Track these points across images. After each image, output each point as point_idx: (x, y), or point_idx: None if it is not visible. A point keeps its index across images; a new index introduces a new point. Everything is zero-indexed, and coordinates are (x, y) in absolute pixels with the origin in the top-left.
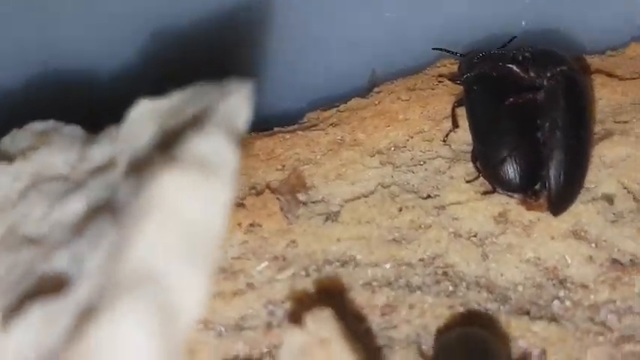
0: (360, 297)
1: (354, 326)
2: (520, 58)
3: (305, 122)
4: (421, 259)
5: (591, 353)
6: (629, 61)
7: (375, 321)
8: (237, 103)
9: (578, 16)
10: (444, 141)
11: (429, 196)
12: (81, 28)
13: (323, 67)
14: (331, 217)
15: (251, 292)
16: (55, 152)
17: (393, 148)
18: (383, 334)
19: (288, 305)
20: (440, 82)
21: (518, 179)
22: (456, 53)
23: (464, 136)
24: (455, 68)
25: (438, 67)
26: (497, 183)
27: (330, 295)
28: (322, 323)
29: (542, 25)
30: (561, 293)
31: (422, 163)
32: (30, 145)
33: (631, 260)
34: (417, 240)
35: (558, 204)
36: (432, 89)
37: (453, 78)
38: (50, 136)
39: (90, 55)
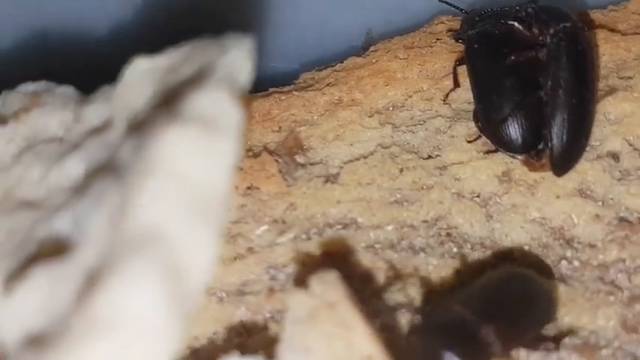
0: (363, 260)
1: (358, 290)
2: (523, 14)
3: (300, 82)
4: (424, 221)
5: (602, 314)
6: (631, 15)
7: (379, 284)
8: (238, 57)
9: None
10: (444, 100)
11: (429, 157)
12: None
13: (316, 27)
14: (330, 179)
15: (251, 256)
16: (49, 113)
17: (391, 108)
18: (388, 298)
19: (289, 269)
20: (438, 39)
21: (520, 139)
22: (461, 9)
23: (464, 94)
24: (453, 25)
25: (436, 24)
26: (498, 143)
27: (333, 258)
28: (329, 286)
29: None
30: (569, 253)
31: (422, 122)
32: (22, 106)
33: (639, 218)
34: (419, 201)
35: (561, 164)
36: (431, 47)
37: (454, 36)
38: (43, 97)
39: (80, 16)
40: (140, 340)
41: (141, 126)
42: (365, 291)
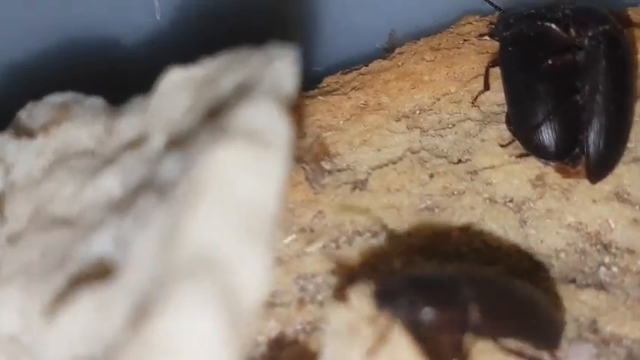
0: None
1: None
2: (560, 16)
3: (325, 86)
4: (456, 228)
5: None
6: None
7: None
8: (283, 69)
9: None
10: (473, 103)
11: (460, 161)
12: None
13: (340, 29)
14: (359, 185)
15: (280, 266)
16: (79, 126)
17: (419, 111)
18: None
19: (319, 279)
20: (465, 40)
21: (554, 146)
22: (498, 7)
23: (492, 96)
24: (480, 25)
25: (463, 24)
26: (531, 149)
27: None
28: (366, 299)
29: None
30: (607, 259)
31: (451, 126)
32: (50, 119)
33: None
34: (451, 207)
35: (597, 172)
36: (458, 48)
37: (490, 33)
38: (71, 109)
39: (104, 25)
40: None
41: (183, 141)
42: None
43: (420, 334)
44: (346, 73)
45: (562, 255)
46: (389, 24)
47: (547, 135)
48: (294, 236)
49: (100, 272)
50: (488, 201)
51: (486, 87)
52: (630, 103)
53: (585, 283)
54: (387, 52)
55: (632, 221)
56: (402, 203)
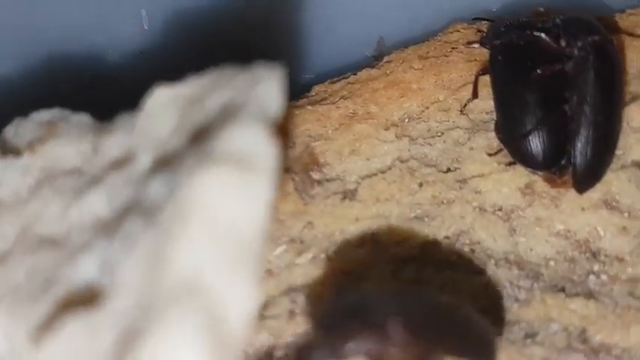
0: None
1: None
2: (550, 25)
3: (313, 95)
4: (446, 237)
5: (634, 331)
6: None
7: None
8: (269, 89)
9: None
10: (462, 111)
11: (449, 170)
12: (85, 9)
13: (329, 36)
14: (348, 195)
15: (270, 278)
16: (65, 144)
17: (407, 120)
18: None
19: (309, 291)
20: (454, 48)
21: (541, 156)
22: (489, 20)
23: (481, 104)
24: (468, 33)
25: (451, 32)
26: (519, 159)
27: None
28: None
29: None
30: (596, 267)
31: (439, 134)
32: (37, 136)
33: None
34: (441, 216)
35: (584, 182)
36: (446, 56)
37: (480, 42)
38: (58, 126)
39: (87, 40)
40: None
41: (170, 162)
42: None
43: None
44: (335, 82)
45: (551, 263)
46: (378, 32)
47: (535, 144)
48: (284, 247)
49: (86, 297)
50: (477, 210)
51: (475, 95)
52: (618, 113)
53: (574, 291)
54: (375, 60)
55: (620, 229)
56: (391, 213)
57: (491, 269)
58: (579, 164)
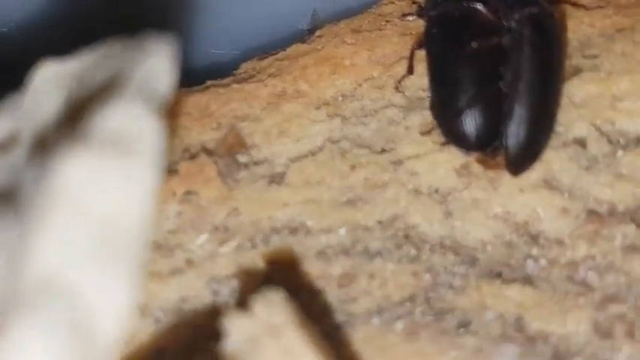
0: (314, 268)
1: (309, 303)
2: None
3: (241, 73)
4: (379, 222)
5: (572, 317)
6: None
7: (332, 294)
8: (158, 64)
9: None
10: (397, 88)
11: (383, 151)
12: None
13: (256, 10)
14: (276, 179)
15: (191, 269)
16: None
17: (340, 98)
18: (342, 309)
19: (233, 282)
20: (388, 21)
21: (474, 136)
22: None
23: (417, 81)
24: (403, 5)
25: (385, 4)
26: (452, 139)
27: (280, 268)
28: (272, 307)
29: None
30: (535, 251)
31: (373, 113)
32: None
33: (609, 210)
34: (374, 200)
35: (517, 164)
36: (380, 30)
37: (416, 12)
38: None
39: None
40: None
41: (45, 145)
42: (314, 306)
43: None
44: (262, 59)
45: (488, 247)
46: (311, 4)
47: (467, 124)
48: (206, 236)
49: None
50: (412, 192)
51: (410, 71)
52: (557, 90)
53: (511, 277)
54: (310, 33)
55: (561, 210)
56: (321, 197)
57: (425, 255)
58: (512, 146)
